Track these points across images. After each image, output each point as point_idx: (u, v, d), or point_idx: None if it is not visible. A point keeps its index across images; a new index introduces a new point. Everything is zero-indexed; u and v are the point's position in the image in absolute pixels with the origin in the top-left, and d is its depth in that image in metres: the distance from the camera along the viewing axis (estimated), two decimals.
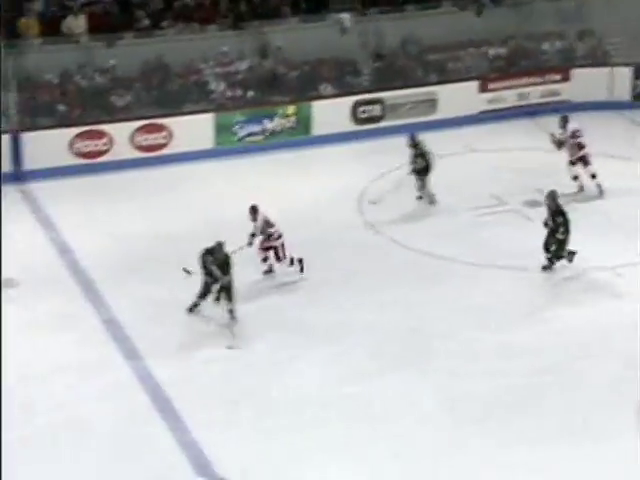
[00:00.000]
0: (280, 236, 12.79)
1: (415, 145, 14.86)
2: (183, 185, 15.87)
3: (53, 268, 13.31)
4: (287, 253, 12.84)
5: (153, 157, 16.70)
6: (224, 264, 11.64)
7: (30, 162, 16.07)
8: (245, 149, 17.11)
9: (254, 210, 12.77)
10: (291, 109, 17.68)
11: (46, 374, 10.93)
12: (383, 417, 10.18)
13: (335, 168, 16.58)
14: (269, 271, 12.91)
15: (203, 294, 11.86)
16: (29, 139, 16.11)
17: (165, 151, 16.87)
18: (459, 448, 9.70)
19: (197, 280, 11.85)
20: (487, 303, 12.27)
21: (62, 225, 14.50)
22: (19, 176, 16.03)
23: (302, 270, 12.89)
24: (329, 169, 16.57)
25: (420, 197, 15.00)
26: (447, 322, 11.92)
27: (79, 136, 16.47)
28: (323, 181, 16.04)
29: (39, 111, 16.74)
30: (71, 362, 11.12)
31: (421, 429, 10.00)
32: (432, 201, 14.97)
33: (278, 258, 12.85)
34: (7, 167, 15.98)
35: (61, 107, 16.88)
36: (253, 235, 12.68)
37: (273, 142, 17.36)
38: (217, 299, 11.72)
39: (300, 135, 17.61)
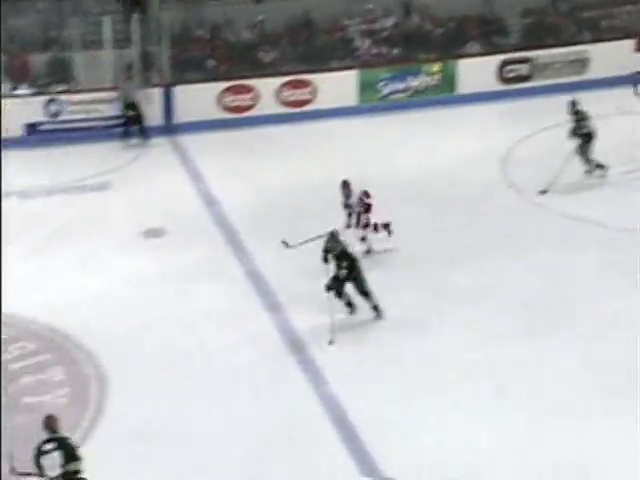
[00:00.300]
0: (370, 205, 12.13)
1: (576, 112, 14.27)
2: (327, 141, 16.00)
3: (199, 219, 13.71)
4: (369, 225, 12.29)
5: (298, 112, 16.90)
6: (340, 256, 10.85)
7: (180, 115, 16.56)
8: (389, 106, 17.07)
9: (346, 185, 12.16)
10: (436, 67, 17.49)
11: (190, 321, 11.29)
12: (526, 380, 10.03)
13: (479, 127, 16.32)
14: (368, 252, 12.32)
15: (334, 280, 10.95)
16: (180, 92, 16.59)
17: (309, 107, 17.04)
18: (606, 415, 9.45)
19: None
20: (635, 269, 11.87)
21: (209, 177, 14.91)
22: (170, 128, 16.58)
23: (390, 233, 12.39)
24: (473, 128, 16.32)
25: (589, 171, 14.20)
26: (593, 287, 11.61)
27: (227, 90, 16.83)
28: (467, 140, 15.81)
29: (189, 66, 17.20)
30: (214, 311, 11.44)
31: (565, 395, 9.80)
32: (604, 168, 14.14)
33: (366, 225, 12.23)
34: (159, 120, 16.52)
35: (210, 62, 17.28)
36: (348, 209, 12.16)
37: (417, 100, 17.25)
38: (330, 288, 10.88)
39: (444, 93, 17.42)
